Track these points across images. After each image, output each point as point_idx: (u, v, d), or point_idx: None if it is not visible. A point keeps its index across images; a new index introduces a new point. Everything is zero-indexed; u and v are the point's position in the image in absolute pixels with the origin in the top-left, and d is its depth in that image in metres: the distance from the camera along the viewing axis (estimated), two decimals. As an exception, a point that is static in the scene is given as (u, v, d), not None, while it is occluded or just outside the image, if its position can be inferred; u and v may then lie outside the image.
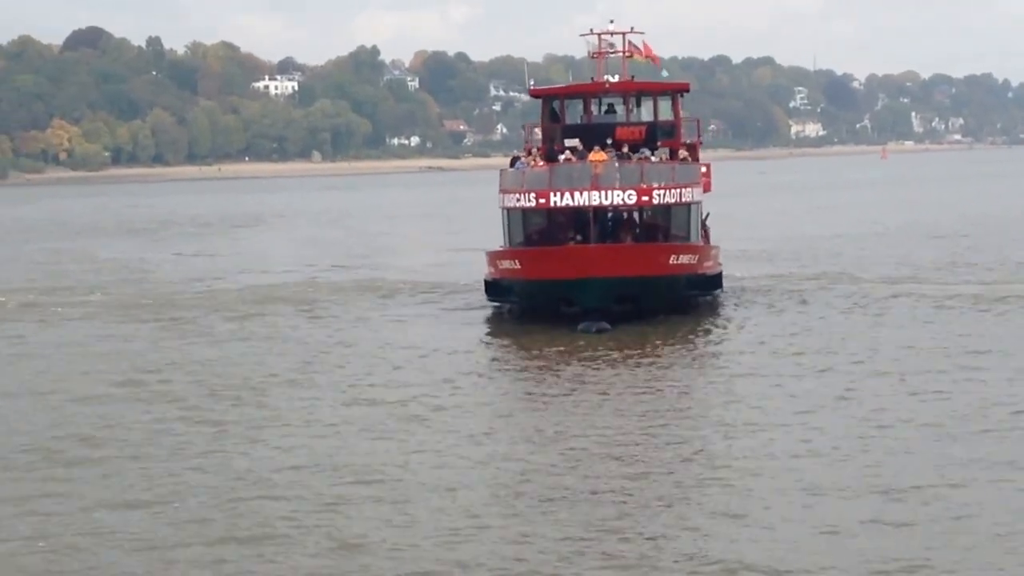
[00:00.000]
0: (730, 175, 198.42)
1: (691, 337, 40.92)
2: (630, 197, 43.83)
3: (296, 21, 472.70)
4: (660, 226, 45.86)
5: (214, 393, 33.30)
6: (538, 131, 51.39)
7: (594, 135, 48.30)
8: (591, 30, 52.89)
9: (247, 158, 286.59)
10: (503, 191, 45.93)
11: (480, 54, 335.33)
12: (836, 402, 30.72)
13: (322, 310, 48.52)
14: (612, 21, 52.82)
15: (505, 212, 46.37)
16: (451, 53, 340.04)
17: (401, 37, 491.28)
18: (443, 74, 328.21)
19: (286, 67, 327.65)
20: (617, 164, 44.97)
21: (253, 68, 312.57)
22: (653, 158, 47.46)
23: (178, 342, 41.70)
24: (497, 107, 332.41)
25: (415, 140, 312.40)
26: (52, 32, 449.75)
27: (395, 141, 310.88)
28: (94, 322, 46.79)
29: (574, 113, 51.89)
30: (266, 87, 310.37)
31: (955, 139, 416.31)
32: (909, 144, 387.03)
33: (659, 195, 44.32)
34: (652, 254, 43.44)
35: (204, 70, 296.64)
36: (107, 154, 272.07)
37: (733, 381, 33.96)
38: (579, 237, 44.29)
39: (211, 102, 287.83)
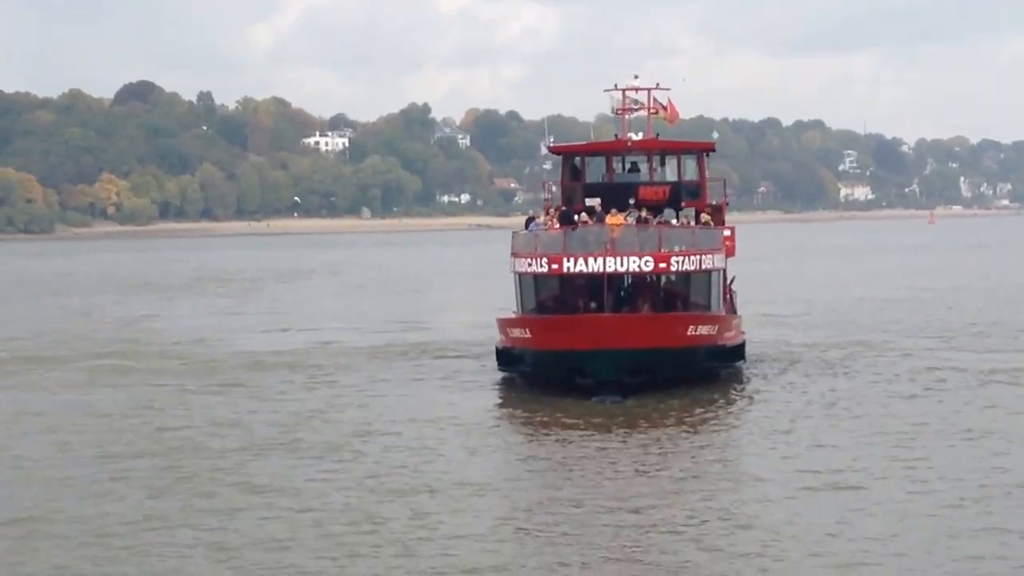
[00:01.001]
0: (776, 237, 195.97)
1: (706, 414, 38.10)
2: (647, 264, 41.16)
3: (351, 79, 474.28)
4: (679, 294, 43.14)
5: (174, 463, 30.90)
6: (557, 189, 48.91)
7: (616, 194, 45.79)
8: (615, 85, 50.34)
9: (296, 214, 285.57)
10: (515, 255, 43.33)
11: (531, 112, 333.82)
12: (840, 491, 28.03)
13: (325, 374, 46.18)
14: (636, 76, 50.24)
15: (517, 277, 43.75)
16: (502, 111, 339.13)
17: (453, 95, 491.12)
18: (494, 132, 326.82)
19: (337, 123, 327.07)
20: (635, 228, 42.42)
21: (304, 124, 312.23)
22: (675, 221, 45.01)
23: (144, 410, 39.25)
24: (548, 165, 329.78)
25: (465, 197, 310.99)
26: (103, 86, 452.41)
27: (445, 198, 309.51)
28: (62, 381, 44.95)
29: (595, 171, 49.42)
30: (317, 143, 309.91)
31: (1003, 204, 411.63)
32: (957, 208, 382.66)
33: (678, 262, 41.64)
34: (669, 324, 40.70)
35: (254, 125, 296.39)
36: (155, 208, 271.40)
37: (741, 461, 31.45)
38: (594, 305, 41.58)
39: (261, 157, 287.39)
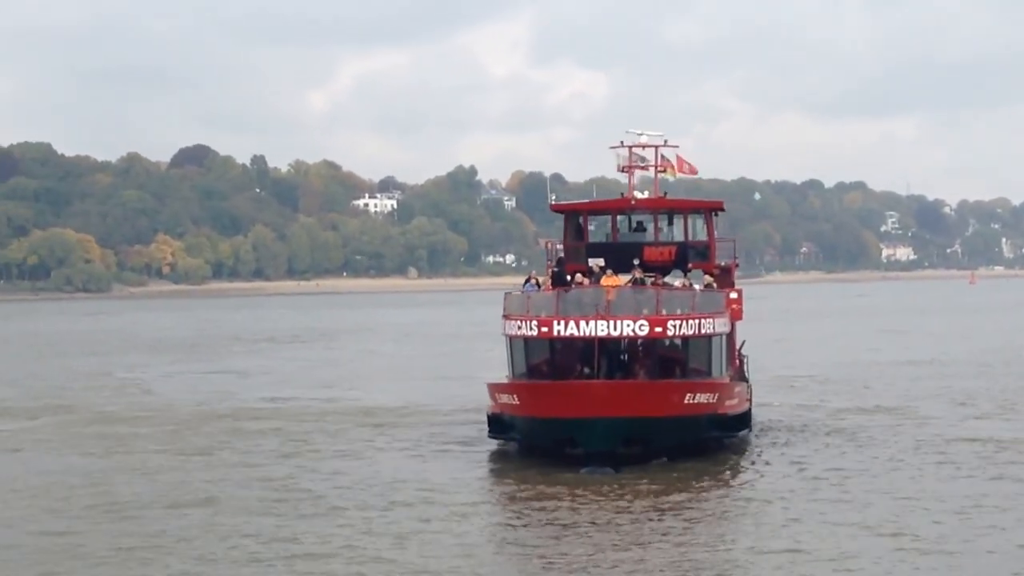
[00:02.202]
0: (813, 297, 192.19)
1: (703, 488, 34.67)
2: (641, 328, 37.82)
3: (402, 142, 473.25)
4: (678, 359, 39.74)
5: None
6: (560, 249, 45.78)
7: (620, 255, 42.75)
8: (621, 142, 47.29)
9: (345, 274, 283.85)
10: (506, 317, 40.07)
11: (577, 175, 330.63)
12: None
13: (307, 438, 43.17)
14: (641, 134, 47.11)
15: (508, 340, 40.45)
16: (547, 174, 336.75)
17: (502, 159, 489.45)
18: (538, 194, 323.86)
19: (387, 185, 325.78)
20: (631, 290, 39.23)
21: (354, 186, 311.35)
22: (677, 282, 41.73)
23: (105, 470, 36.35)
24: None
25: (510, 257, 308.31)
26: (160, 149, 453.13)
27: (490, 258, 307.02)
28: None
29: (599, 231, 46.30)
30: (366, 204, 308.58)
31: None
32: (999, 269, 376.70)
33: (675, 326, 38.27)
34: (664, 392, 37.30)
35: (305, 187, 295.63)
36: (209, 268, 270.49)
37: (734, 542, 28.06)
38: (587, 370, 38.27)
39: (311, 219, 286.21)
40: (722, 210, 47.05)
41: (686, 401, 37.19)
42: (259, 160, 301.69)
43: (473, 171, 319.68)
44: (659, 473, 35.87)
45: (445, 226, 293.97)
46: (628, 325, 37.65)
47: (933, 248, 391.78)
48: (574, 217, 45.98)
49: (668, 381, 38.38)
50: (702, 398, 37.64)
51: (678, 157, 47.32)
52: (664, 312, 38.29)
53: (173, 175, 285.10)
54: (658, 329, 38.07)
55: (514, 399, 38.09)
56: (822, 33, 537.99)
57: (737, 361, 46.15)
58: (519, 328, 39.13)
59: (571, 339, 38.06)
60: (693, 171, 47.93)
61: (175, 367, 75.59)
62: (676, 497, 33.12)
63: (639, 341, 38.74)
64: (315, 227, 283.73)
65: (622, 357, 39.18)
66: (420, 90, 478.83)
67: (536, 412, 37.36)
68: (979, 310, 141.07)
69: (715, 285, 42.29)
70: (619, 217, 46.07)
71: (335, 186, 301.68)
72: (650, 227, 45.63)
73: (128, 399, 57.26)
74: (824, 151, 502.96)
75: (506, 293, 41.22)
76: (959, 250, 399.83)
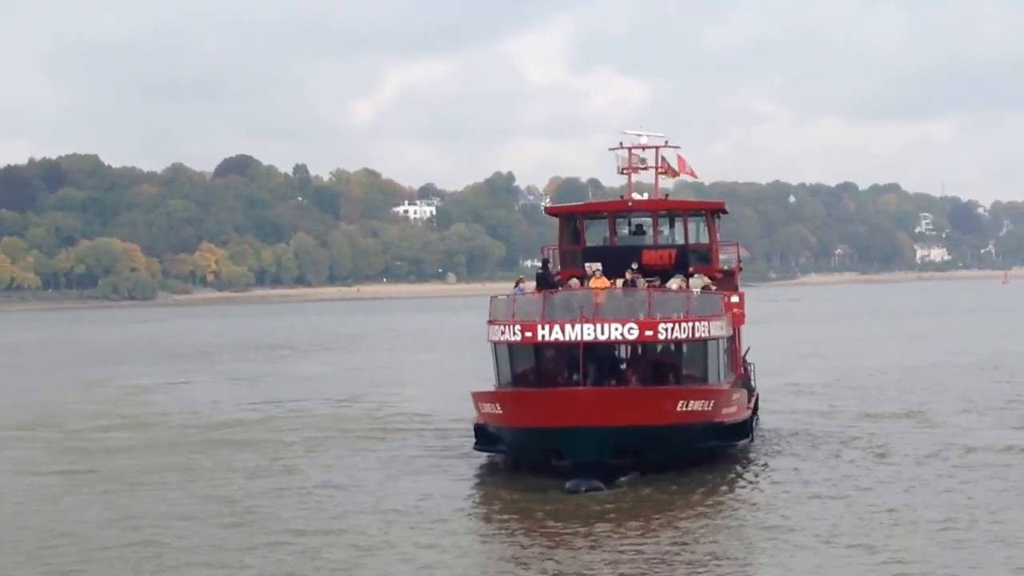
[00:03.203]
0: (846, 298, 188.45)
1: (698, 503, 31.62)
2: (630, 332, 34.76)
3: (442, 149, 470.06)
4: (672, 365, 36.69)
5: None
6: (556, 254, 42.95)
7: (618, 259, 39.84)
8: (620, 144, 44.45)
9: (385, 279, 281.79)
10: (491, 322, 37.06)
11: (614, 180, 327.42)
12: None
13: (288, 451, 40.33)
14: (640, 134, 44.25)
15: (492, 347, 37.45)
16: (583, 179, 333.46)
17: (542, 166, 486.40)
18: (576, 198, 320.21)
19: (426, 192, 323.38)
20: (622, 293, 36.32)
21: (394, 193, 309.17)
22: (674, 285, 38.75)
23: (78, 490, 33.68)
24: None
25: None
26: (205, 159, 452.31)
27: (528, 263, 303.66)
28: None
29: (596, 234, 43.47)
30: (405, 211, 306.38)
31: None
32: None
33: (667, 329, 35.19)
34: (655, 400, 34.19)
35: (347, 195, 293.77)
36: (252, 275, 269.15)
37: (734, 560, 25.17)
38: (576, 378, 35.26)
39: (352, 226, 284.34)
40: (724, 212, 44.09)
41: (678, 409, 34.15)
42: (301, 169, 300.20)
43: (511, 177, 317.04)
44: (652, 487, 32.92)
45: (483, 232, 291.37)
46: (617, 329, 34.61)
47: (967, 249, 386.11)
48: (571, 220, 43.19)
49: (658, 388, 35.24)
50: (696, 405, 34.58)
51: (679, 159, 44.58)
52: (656, 315, 35.34)
53: (217, 184, 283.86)
54: (649, 333, 35.00)
55: (497, 408, 35.13)
56: (856, 36, 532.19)
57: (742, 367, 43.30)
58: (502, 334, 36.18)
59: (556, 344, 35.15)
60: (693, 174, 45.17)
61: (185, 376, 73.06)
62: (673, 512, 30.20)
63: (627, 345, 35.78)
64: (356, 234, 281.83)
65: (613, 363, 36.20)
66: (462, 98, 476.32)
67: (520, 422, 34.39)
68: (1012, 310, 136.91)
69: (712, 287, 39.33)
70: (619, 220, 43.29)
71: (375, 193, 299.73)
72: (650, 230, 42.87)
73: (119, 410, 54.70)
74: (859, 154, 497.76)
75: (492, 297, 38.21)
76: (993, 250, 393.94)
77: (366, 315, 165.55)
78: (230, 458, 39.56)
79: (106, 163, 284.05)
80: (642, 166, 44.12)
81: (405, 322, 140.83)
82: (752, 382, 44.38)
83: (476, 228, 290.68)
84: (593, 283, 36.87)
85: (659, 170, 44.32)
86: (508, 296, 37.55)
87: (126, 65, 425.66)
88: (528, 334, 35.21)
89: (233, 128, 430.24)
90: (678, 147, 44.63)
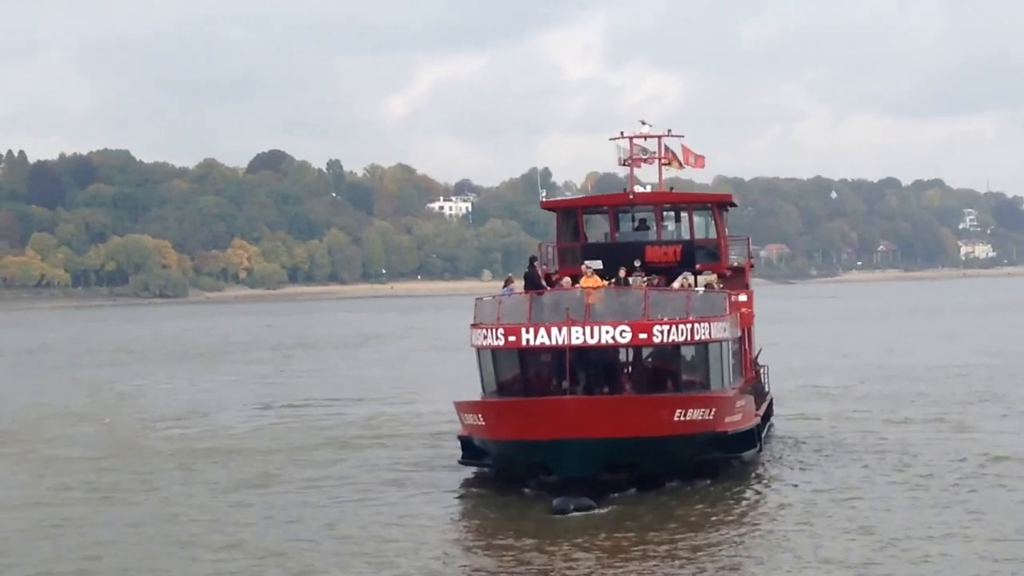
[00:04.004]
0: (886, 296, 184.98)
1: (696, 523, 28.87)
2: (623, 335, 32.03)
3: (478, 145, 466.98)
4: (671, 370, 33.91)
5: None
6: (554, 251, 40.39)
7: (619, 256, 37.27)
8: (621, 133, 41.91)
9: (419, 276, 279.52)
10: (475, 325, 34.37)
11: (650, 175, 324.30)
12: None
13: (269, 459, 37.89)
14: (644, 123, 41.67)
15: (476, 352, 34.79)
16: (620, 175, 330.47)
17: (578, 161, 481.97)
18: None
19: (461, 188, 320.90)
20: (615, 292, 33.64)
21: (428, 189, 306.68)
22: (676, 283, 36.10)
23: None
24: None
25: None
26: (237, 155, 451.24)
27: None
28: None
29: (597, 230, 40.83)
30: (440, 208, 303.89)
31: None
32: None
33: (662, 332, 32.44)
34: (650, 408, 31.41)
35: (380, 191, 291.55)
36: (284, 272, 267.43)
37: None
38: (566, 385, 32.51)
39: (386, 222, 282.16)
40: (732, 204, 41.45)
41: (676, 418, 31.41)
42: (334, 165, 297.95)
43: (547, 173, 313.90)
44: (647, 505, 30.27)
45: (519, 228, 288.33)
46: (608, 331, 31.92)
47: (1012, 245, 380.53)
48: (569, 215, 40.58)
49: (653, 396, 32.53)
50: (695, 414, 31.81)
51: (684, 148, 42.00)
52: (651, 316, 32.64)
53: (249, 181, 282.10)
54: (643, 336, 32.26)
55: (479, 420, 32.48)
56: (896, 31, 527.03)
57: (752, 371, 40.56)
58: (485, 338, 33.53)
59: (542, 349, 32.45)
60: (700, 163, 42.46)
61: (185, 376, 70.87)
62: (671, 530, 27.54)
63: (619, 349, 33.04)
64: (389, 230, 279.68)
65: (608, 369, 33.44)
66: (496, 94, 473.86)
67: (503, 435, 31.71)
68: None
69: (716, 285, 36.62)
70: (621, 215, 40.70)
71: (409, 189, 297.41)
72: (654, 225, 40.28)
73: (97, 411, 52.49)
74: (901, 149, 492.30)
75: (477, 299, 35.48)
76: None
77: (399, 313, 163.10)
78: (203, 468, 37.25)
79: (137, 159, 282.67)
80: (643, 156, 41.62)
81: (434, 320, 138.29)
82: (765, 386, 41.70)
83: (512, 224, 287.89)
84: (584, 282, 34.16)
85: (663, 161, 41.78)
86: (494, 297, 34.89)
87: (159, 62, 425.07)
88: (512, 338, 32.56)
89: (266, 124, 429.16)
90: (682, 136, 42.20)
